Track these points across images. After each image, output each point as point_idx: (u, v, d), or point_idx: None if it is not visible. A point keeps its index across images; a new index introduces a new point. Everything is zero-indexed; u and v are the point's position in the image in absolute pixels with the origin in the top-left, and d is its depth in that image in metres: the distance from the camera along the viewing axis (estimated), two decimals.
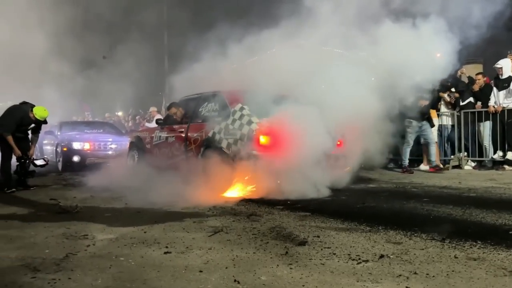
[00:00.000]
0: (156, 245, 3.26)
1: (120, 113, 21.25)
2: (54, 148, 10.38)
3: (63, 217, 4.38)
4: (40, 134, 7.34)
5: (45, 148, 11.28)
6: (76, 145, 9.78)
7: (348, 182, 6.08)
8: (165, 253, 3.04)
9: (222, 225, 3.87)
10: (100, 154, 9.77)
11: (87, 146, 9.81)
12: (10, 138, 6.62)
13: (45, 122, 7.09)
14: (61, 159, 9.84)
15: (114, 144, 9.99)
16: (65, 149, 9.70)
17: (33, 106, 6.89)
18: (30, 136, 7.10)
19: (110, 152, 9.89)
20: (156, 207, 4.92)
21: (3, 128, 6.64)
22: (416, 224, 3.73)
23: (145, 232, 3.66)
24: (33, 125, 6.95)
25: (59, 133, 10.55)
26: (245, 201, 5.10)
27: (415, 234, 3.44)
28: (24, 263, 2.85)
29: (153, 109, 12.85)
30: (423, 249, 3.05)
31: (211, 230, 3.70)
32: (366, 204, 4.87)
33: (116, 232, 3.68)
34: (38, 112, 6.82)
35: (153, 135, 7.44)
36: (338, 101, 5.77)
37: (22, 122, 6.76)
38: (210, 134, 6.04)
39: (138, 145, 7.85)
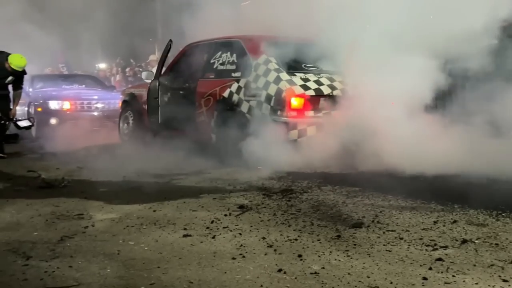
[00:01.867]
0: (171, 226, 3.27)
1: (102, 65, 21.17)
2: (26, 108, 10.42)
3: (47, 192, 4.43)
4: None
5: None
6: (53, 105, 9.80)
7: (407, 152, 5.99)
8: (184, 236, 3.05)
9: (250, 203, 3.87)
10: (83, 115, 9.78)
11: (66, 105, 9.82)
12: None
13: (24, 72, 7.22)
14: (34, 122, 9.88)
15: (101, 103, 10.00)
16: (39, 109, 9.73)
17: (8, 54, 6.97)
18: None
19: (95, 113, 9.91)
20: (163, 180, 4.95)
21: None
22: (502, 202, 3.66)
23: (154, 211, 3.68)
24: (10, 77, 7.07)
25: (31, 90, 10.56)
26: (275, 175, 5.07)
27: (503, 214, 3.40)
28: (10, 247, 2.87)
29: (152, 57, 12.66)
30: None
31: (237, 208, 3.70)
32: (431, 178, 4.78)
33: (118, 211, 3.69)
34: (14, 61, 6.92)
35: None
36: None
37: None
38: (225, 94, 5.96)
39: (133, 105, 7.83)
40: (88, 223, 3.37)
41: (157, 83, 6.99)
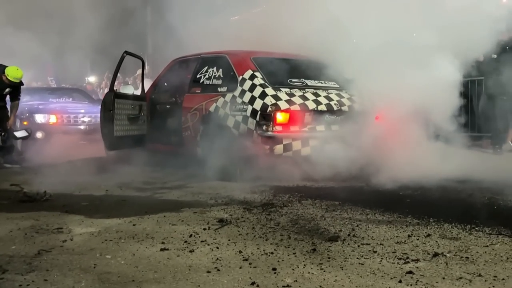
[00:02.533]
0: (149, 240, 3.30)
1: (92, 79, 21.19)
2: None
3: (29, 206, 4.44)
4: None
5: None
6: (39, 118, 9.81)
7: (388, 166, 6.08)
8: (161, 250, 3.07)
9: (230, 217, 3.91)
10: (69, 129, 9.79)
11: (53, 119, 9.83)
12: None
13: (21, 83, 7.59)
14: (31, 132, 9.87)
15: (88, 117, 10.01)
16: (25, 122, 9.72)
17: (4, 67, 7.28)
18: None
19: (82, 127, 9.92)
20: (145, 194, 4.98)
21: None
22: (476, 216, 3.75)
23: (134, 225, 3.70)
24: (8, 89, 7.47)
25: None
26: (257, 189, 5.12)
27: (476, 228, 3.46)
28: None
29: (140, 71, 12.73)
30: (487, 246, 3.06)
31: (217, 222, 3.74)
32: (410, 192, 4.87)
33: (98, 225, 3.72)
34: (11, 73, 7.27)
35: None
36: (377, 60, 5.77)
37: None
38: (211, 109, 6.02)
39: None
40: (66, 237, 3.39)
41: (112, 96, 6.77)
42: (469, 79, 8.16)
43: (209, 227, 3.61)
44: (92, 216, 4.00)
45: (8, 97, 7.75)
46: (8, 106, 7.85)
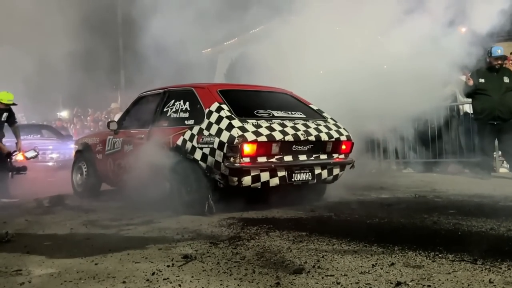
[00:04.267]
0: (110, 280, 3.22)
1: (64, 114, 21.01)
2: None
3: None
4: None
5: None
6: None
7: (355, 193, 6.12)
8: None
9: (195, 252, 3.85)
10: (37, 166, 9.63)
11: (20, 156, 9.64)
12: None
13: (14, 104, 8.02)
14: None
15: (56, 153, 9.88)
16: None
17: None
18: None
19: (50, 164, 9.78)
20: (111, 232, 4.88)
21: None
22: (441, 243, 3.77)
23: (96, 264, 3.61)
24: (5, 114, 7.93)
25: None
26: (225, 222, 5.08)
27: (440, 255, 3.47)
28: None
29: (115, 105, 12.67)
30: (449, 273, 3.07)
31: (182, 258, 3.67)
32: (377, 220, 4.89)
33: (59, 265, 3.62)
34: (3, 97, 7.74)
35: (105, 142, 7.34)
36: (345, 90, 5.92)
37: None
38: (179, 142, 5.99)
39: (86, 155, 7.74)
40: (25, 279, 3.29)
41: None
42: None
43: (173, 264, 3.54)
44: (53, 256, 3.90)
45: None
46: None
